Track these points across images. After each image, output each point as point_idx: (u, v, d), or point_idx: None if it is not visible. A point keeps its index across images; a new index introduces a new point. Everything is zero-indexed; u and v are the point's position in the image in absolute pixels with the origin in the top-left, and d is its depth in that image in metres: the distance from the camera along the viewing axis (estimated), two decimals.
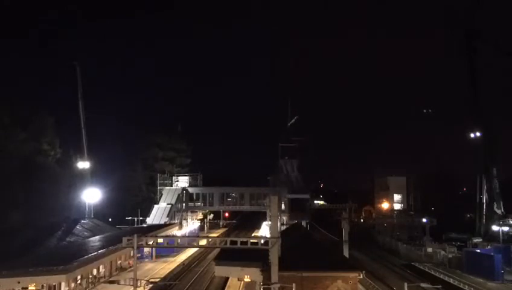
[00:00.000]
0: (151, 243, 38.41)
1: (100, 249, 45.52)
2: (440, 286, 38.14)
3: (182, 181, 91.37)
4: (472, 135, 74.06)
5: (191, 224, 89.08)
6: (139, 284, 32.13)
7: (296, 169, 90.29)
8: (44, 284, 35.60)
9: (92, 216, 77.22)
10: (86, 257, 40.69)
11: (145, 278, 38.95)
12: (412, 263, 64.79)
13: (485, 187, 71.58)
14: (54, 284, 37.28)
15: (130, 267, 51.03)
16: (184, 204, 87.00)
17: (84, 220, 72.33)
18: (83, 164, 79.52)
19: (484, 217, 71.31)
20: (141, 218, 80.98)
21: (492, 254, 55.87)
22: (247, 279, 37.30)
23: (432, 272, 57.55)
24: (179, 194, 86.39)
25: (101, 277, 47.64)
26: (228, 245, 34.17)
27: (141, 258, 59.38)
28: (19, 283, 33.10)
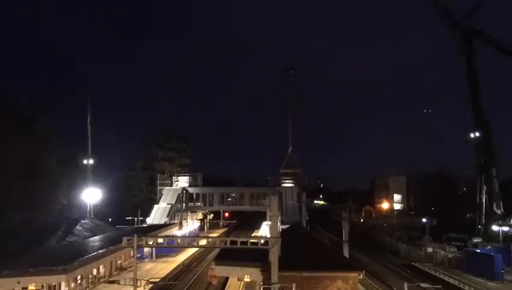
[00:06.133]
0: (151, 243, 38.41)
1: (100, 249, 45.46)
2: (440, 286, 38.11)
3: (182, 181, 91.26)
4: (472, 135, 73.97)
5: (191, 224, 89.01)
6: (139, 284, 32.13)
7: (295, 197, 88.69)
8: (44, 284, 35.55)
9: (92, 216, 77.14)
10: (86, 257, 40.63)
11: (145, 278, 38.98)
12: (412, 263, 64.77)
13: (485, 187, 71.51)
14: (54, 284, 37.23)
15: (130, 267, 51.00)
16: (184, 204, 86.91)
17: (84, 220, 72.27)
18: (87, 161, 79.54)
19: (484, 217, 71.23)
20: (141, 218, 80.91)
21: (492, 254, 55.88)
22: (247, 279, 37.32)
23: (432, 272, 57.53)
24: (178, 194, 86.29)
25: (101, 277, 47.64)
26: (228, 245, 34.18)
27: (141, 258, 59.37)
28: (18, 283, 33.06)
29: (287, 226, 61.69)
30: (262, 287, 31.94)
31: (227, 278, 48.13)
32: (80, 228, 66.56)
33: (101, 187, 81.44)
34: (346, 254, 55.40)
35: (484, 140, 72.32)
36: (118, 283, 33.67)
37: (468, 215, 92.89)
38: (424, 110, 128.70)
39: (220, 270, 38.84)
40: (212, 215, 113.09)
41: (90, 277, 45.02)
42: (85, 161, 79.64)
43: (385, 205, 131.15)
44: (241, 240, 33.63)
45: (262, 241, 33.21)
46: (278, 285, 30.80)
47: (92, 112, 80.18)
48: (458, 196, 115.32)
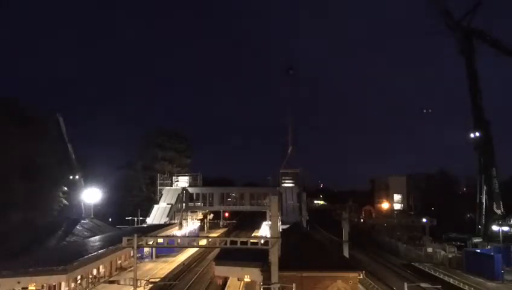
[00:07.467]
0: (151, 243, 38.41)
1: (100, 249, 45.42)
2: (440, 286, 38.05)
3: (182, 181, 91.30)
4: (472, 135, 73.97)
5: (191, 224, 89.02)
6: (139, 284, 32.13)
7: (295, 197, 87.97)
8: (44, 284, 35.55)
9: (92, 216, 77.19)
10: (86, 257, 40.59)
11: (145, 278, 38.93)
12: (412, 263, 64.73)
13: (485, 187, 71.47)
14: (54, 284, 37.23)
15: (130, 267, 50.98)
16: (184, 204, 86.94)
17: (84, 220, 72.32)
18: (74, 177, 79.34)
19: (484, 217, 71.20)
20: (141, 218, 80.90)
21: (492, 254, 55.85)
22: (247, 279, 37.30)
23: (432, 272, 57.49)
24: (178, 194, 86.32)
25: (101, 277, 47.64)
26: (228, 245, 34.18)
27: (141, 258, 59.36)
28: (19, 283, 33.06)
29: (287, 226, 61.68)
30: (262, 287, 31.94)
31: (226, 278, 48.15)
32: (80, 228, 66.68)
33: (101, 187, 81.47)
34: (346, 254, 55.42)
35: (484, 140, 72.30)
36: (118, 283, 33.65)
37: (468, 215, 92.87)
38: (424, 110, 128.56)
39: (220, 270, 38.85)
40: (212, 215, 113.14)
41: (90, 277, 45.01)
42: (71, 177, 79.30)
43: (385, 205, 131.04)
44: (241, 240, 33.62)
45: (262, 241, 33.20)
46: (278, 285, 30.81)
47: (92, 113, 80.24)
48: (458, 196, 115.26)
